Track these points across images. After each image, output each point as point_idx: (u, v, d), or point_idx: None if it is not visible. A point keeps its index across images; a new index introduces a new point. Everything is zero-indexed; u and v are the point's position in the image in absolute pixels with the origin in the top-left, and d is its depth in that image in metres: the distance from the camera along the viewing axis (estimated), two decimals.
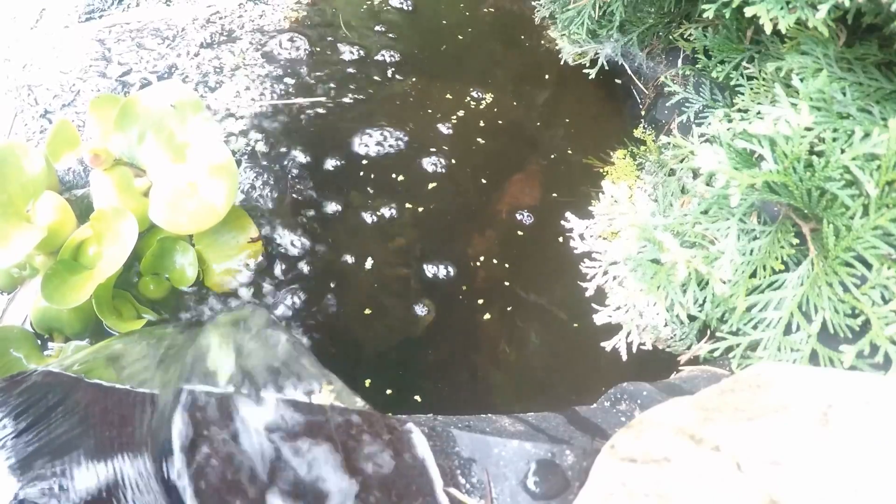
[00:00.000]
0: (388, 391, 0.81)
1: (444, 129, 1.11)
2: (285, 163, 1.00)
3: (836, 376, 0.48)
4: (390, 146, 1.07)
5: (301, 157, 1.02)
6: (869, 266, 0.58)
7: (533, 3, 1.32)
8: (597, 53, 1.19)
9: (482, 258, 0.96)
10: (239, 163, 0.98)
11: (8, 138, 0.98)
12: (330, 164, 1.02)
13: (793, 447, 0.42)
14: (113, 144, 0.81)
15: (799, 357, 0.62)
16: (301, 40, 1.20)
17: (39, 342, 0.79)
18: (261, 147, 1.01)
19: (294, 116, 1.07)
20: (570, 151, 1.13)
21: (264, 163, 1.00)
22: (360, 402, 0.54)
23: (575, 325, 0.90)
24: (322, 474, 0.48)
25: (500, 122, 1.15)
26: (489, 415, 0.61)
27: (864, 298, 0.58)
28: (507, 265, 0.96)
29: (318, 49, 1.20)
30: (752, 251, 0.66)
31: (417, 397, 0.82)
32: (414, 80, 1.19)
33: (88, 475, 0.45)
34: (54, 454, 0.46)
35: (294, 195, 0.97)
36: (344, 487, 0.47)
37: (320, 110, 1.08)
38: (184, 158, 0.82)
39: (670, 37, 1.08)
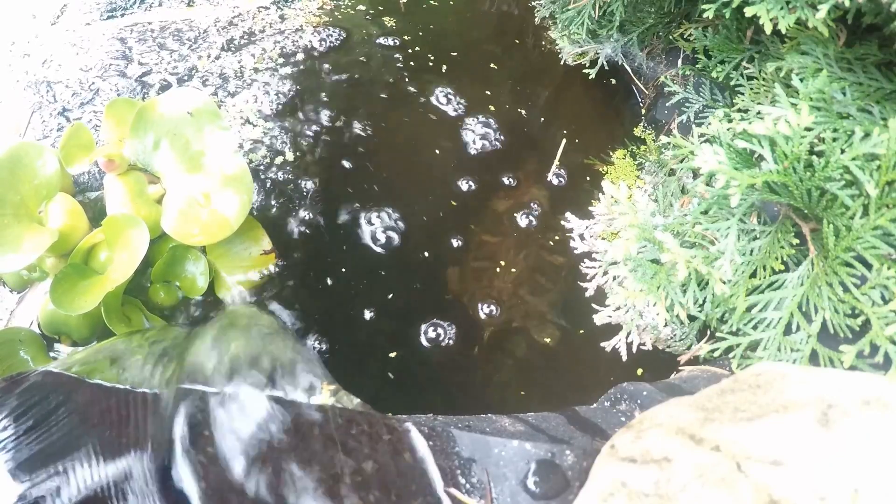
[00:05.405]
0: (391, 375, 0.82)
1: (444, 128, 1.12)
2: (303, 171, 0.99)
3: (836, 376, 0.48)
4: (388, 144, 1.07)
5: (319, 165, 1.01)
6: (869, 266, 0.58)
7: (533, 3, 1.32)
8: (597, 53, 1.19)
9: (479, 259, 0.97)
10: (255, 172, 0.96)
11: (24, 135, 0.96)
12: (347, 171, 1.02)
13: (793, 447, 0.42)
14: (128, 149, 0.80)
15: (799, 357, 0.62)
16: (321, 44, 1.20)
17: (46, 344, 0.79)
18: (277, 155, 1.00)
19: (311, 123, 1.07)
20: (570, 151, 1.13)
21: (281, 171, 0.99)
22: (359, 403, 0.55)
23: (577, 329, 0.91)
24: (322, 474, 0.48)
25: (500, 121, 1.16)
26: (489, 415, 0.61)
27: (864, 298, 0.58)
28: (503, 264, 0.97)
29: (336, 53, 1.19)
30: (752, 251, 0.66)
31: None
32: (420, 83, 1.19)
33: (89, 476, 0.46)
34: (55, 455, 0.47)
35: (311, 204, 0.97)
36: (344, 488, 0.47)
37: (338, 123, 1.08)
38: (199, 168, 0.80)
39: (670, 37, 1.08)
